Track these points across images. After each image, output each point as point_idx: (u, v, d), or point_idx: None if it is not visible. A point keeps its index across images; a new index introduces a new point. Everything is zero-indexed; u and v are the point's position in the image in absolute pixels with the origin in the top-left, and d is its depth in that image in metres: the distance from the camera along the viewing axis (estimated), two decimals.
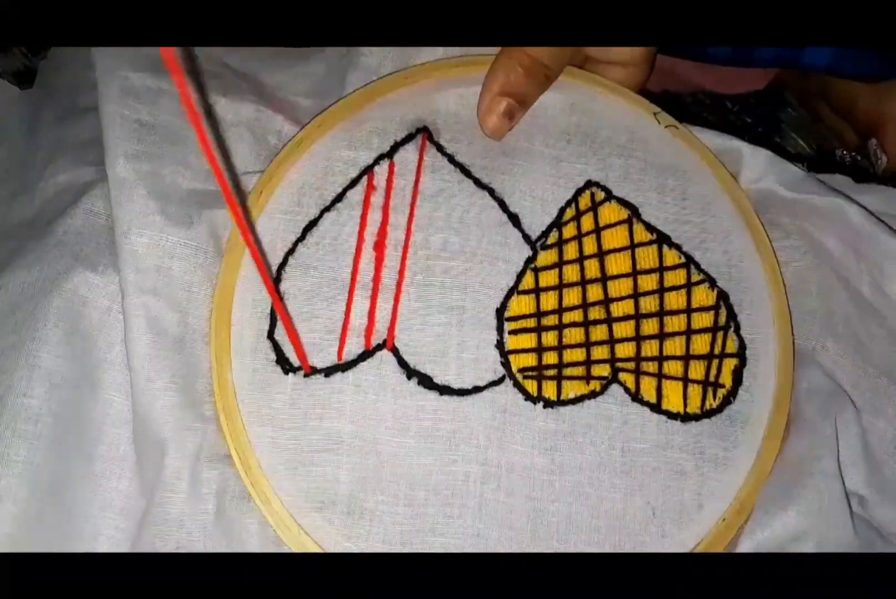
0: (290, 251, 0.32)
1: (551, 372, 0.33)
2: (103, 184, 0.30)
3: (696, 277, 0.36)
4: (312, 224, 0.33)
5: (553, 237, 0.35)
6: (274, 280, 0.32)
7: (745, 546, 0.31)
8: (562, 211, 0.35)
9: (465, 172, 0.34)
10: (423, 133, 0.35)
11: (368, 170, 0.34)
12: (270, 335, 0.31)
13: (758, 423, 0.35)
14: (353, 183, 0.33)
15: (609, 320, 0.34)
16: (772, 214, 0.37)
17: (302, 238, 0.32)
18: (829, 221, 0.36)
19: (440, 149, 0.35)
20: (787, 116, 0.45)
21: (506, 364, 0.33)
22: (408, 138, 0.34)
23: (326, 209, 0.33)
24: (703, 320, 0.35)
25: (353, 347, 0.32)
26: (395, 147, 0.34)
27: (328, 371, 0.31)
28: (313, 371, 0.31)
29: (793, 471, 0.33)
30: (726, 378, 0.35)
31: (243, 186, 0.33)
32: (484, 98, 0.34)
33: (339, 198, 0.33)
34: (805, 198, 0.36)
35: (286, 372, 0.31)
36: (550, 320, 0.34)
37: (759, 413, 0.35)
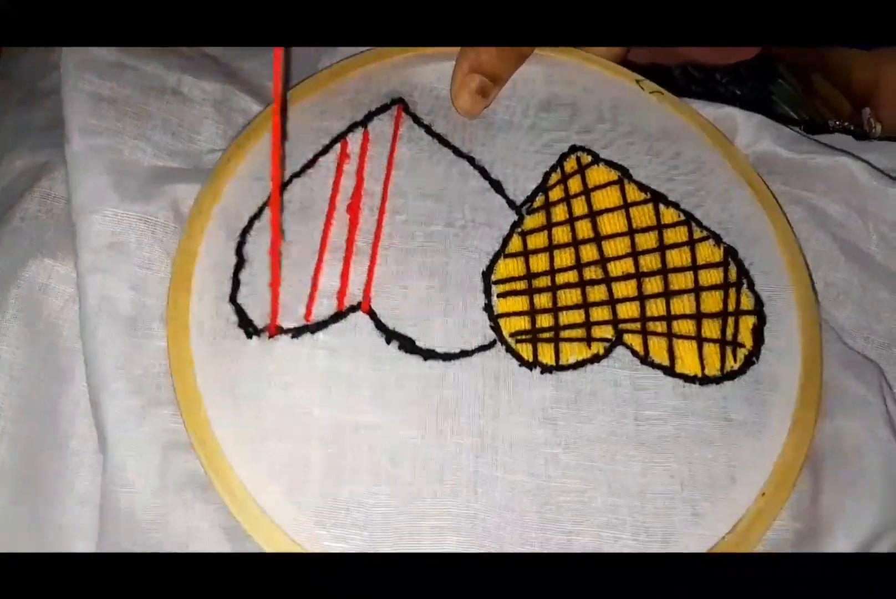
0: (256, 215, 0.30)
1: (547, 335, 0.30)
2: (62, 167, 0.29)
3: (698, 233, 0.33)
4: (281, 189, 0.31)
5: (539, 201, 0.33)
6: (237, 244, 0.30)
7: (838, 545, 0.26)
8: (546, 175, 0.33)
9: (444, 141, 0.33)
10: (399, 104, 0.34)
11: (341, 137, 0.32)
12: (233, 299, 0.28)
13: (789, 386, 0.31)
14: (325, 150, 0.32)
15: (607, 280, 0.31)
16: (768, 180, 0.35)
17: (268, 202, 0.31)
18: (831, 182, 0.34)
19: (416, 120, 0.34)
20: (779, 87, 0.44)
21: (496, 328, 0.30)
22: (382, 109, 0.34)
23: (296, 175, 0.32)
24: (711, 276, 0.32)
25: (324, 309, 0.29)
26: (370, 116, 0.33)
27: (295, 332, 0.28)
28: (279, 331, 0.28)
29: (852, 454, 0.28)
30: (746, 337, 0.31)
31: (207, 164, 0.32)
32: (456, 76, 0.34)
33: (310, 164, 0.32)
34: (806, 158, 0.34)
35: (249, 336, 0.28)
36: (542, 282, 0.31)
37: (789, 376, 0.31)
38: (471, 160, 0.33)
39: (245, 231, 0.30)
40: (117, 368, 0.27)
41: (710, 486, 0.28)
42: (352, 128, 0.33)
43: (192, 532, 0.25)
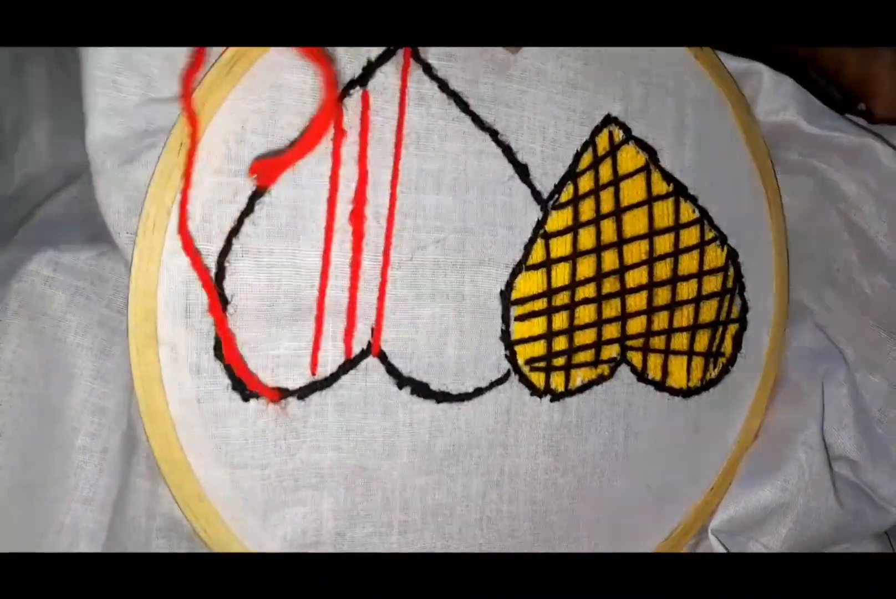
0: (234, 231, 0.22)
1: (560, 361, 0.28)
2: (86, 172, 0.24)
3: (708, 234, 0.31)
4: (262, 189, 0.23)
5: (567, 193, 0.28)
6: (215, 276, 0.22)
7: (718, 520, 0.31)
8: (578, 156, 0.28)
9: (462, 105, 0.25)
10: (406, 47, 0.24)
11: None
12: (219, 353, 0.22)
13: (749, 388, 0.33)
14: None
15: (623, 293, 0.29)
16: (782, 148, 0.33)
17: (249, 211, 0.23)
18: (851, 161, 0.32)
19: (428, 70, 0.25)
20: None
21: (511, 357, 0.27)
22: (386, 56, 0.24)
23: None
24: (712, 283, 0.32)
25: (331, 356, 0.24)
26: (370, 69, 0.24)
27: (303, 392, 0.24)
28: (284, 395, 0.23)
29: (776, 442, 0.32)
30: (727, 346, 0.32)
31: (153, 137, 0.22)
32: None
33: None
34: (830, 135, 0.31)
35: (246, 399, 0.23)
36: (562, 299, 0.28)
37: (751, 378, 0.33)
38: (493, 134, 0.26)
39: (222, 257, 0.22)
40: None
41: (677, 490, 0.31)
42: (348, 88, 0.24)
43: None
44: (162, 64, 0.22)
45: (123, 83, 0.22)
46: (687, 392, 0.31)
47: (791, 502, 0.31)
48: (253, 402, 0.23)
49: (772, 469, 0.32)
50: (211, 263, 0.22)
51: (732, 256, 0.32)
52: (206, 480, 0.23)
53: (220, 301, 0.22)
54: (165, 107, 0.22)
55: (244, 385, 0.23)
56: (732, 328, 0.32)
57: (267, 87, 0.22)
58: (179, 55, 0.22)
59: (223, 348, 0.23)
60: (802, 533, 0.31)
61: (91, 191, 0.23)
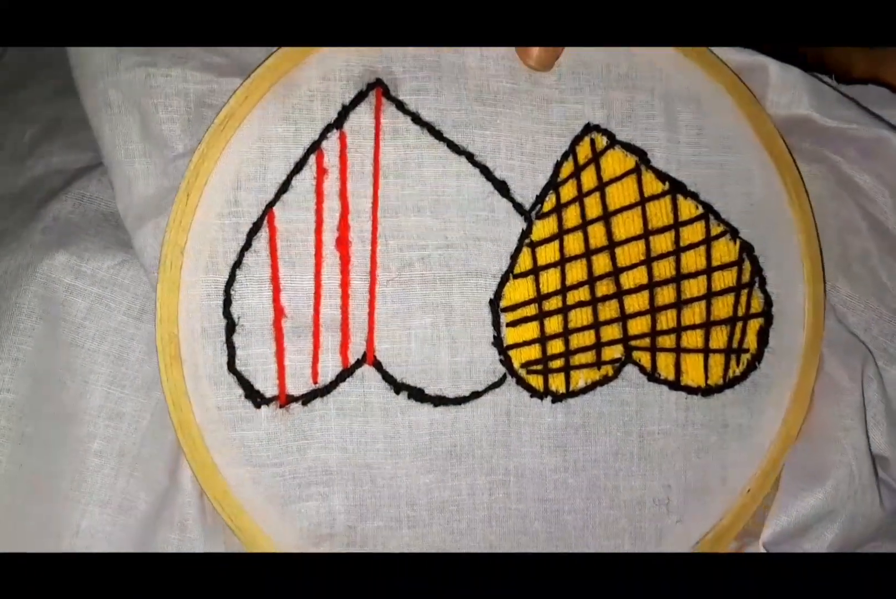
0: (237, 264, 0.26)
1: (558, 363, 0.29)
2: (97, 168, 0.29)
3: (715, 229, 0.31)
4: (257, 226, 0.27)
5: (550, 202, 0.29)
6: (223, 302, 0.26)
7: (770, 532, 0.29)
8: (558, 166, 0.29)
9: (436, 134, 0.28)
10: (377, 88, 0.27)
11: (315, 147, 0.27)
12: (232, 367, 0.27)
13: (784, 385, 0.32)
14: (299, 166, 0.27)
15: (619, 294, 0.30)
16: (796, 138, 0.31)
17: (248, 246, 0.27)
18: (867, 152, 0.31)
19: (401, 106, 0.28)
20: None
21: (506, 361, 0.29)
22: (358, 98, 0.27)
23: (271, 205, 0.27)
24: (724, 279, 0.31)
25: (330, 366, 0.27)
26: (344, 113, 0.27)
27: (305, 398, 0.27)
28: (289, 400, 0.27)
29: (820, 443, 0.30)
30: (751, 342, 0.31)
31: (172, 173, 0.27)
32: None
33: (284, 188, 0.27)
34: (844, 127, 0.30)
35: (258, 405, 0.27)
36: (553, 304, 0.29)
37: (786, 374, 0.32)
38: (469, 157, 0.28)
39: (229, 286, 0.27)
40: None
41: (702, 490, 0.31)
42: (325, 132, 0.27)
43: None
44: (171, 126, 0.26)
45: (149, 150, 0.27)
46: (706, 391, 0.31)
47: (840, 508, 0.30)
48: (264, 408, 0.27)
49: (820, 475, 0.30)
50: (219, 292, 0.26)
51: (747, 249, 0.31)
52: (229, 477, 0.27)
53: (229, 325, 0.26)
54: (184, 162, 0.27)
55: (256, 393, 0.27)
56: (755, 324, 0.31)
57: (255, 139, 0.27)
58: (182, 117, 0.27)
59: (234, 364, 0.27)
60: (847, 538, 0.29)
61: (102, 190, 0.27)
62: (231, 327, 0.26)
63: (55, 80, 0.32)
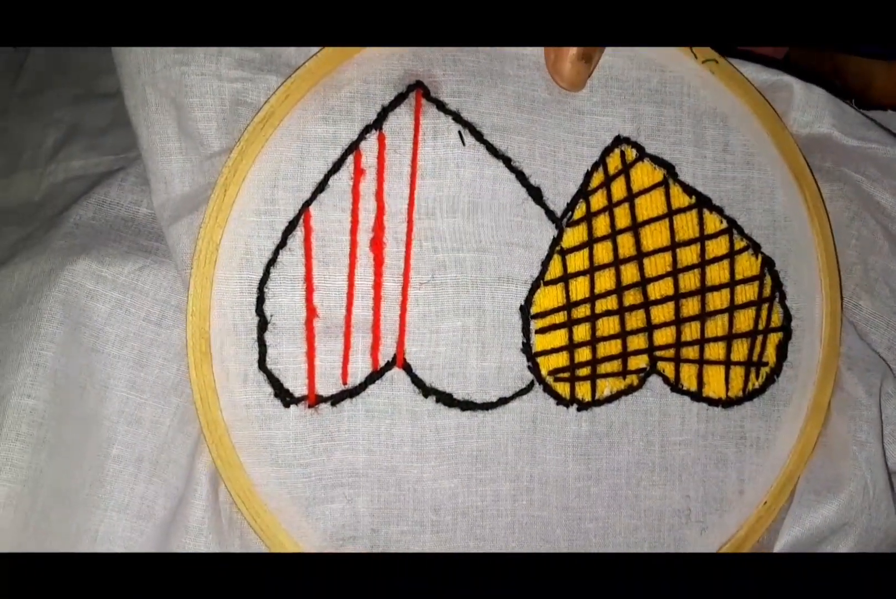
0: (272, 262, 0.26)
1: (585, 371, 0.29)
2: (118, 174, 0.29)
3: (738, 243, 0.31)
4: (293, 225, 0.27)
5: (580, 211, 0.29)
6: (256, 300, 0.26)
7: (784, 542, 0.30)
8: (588, 175, 0.29)
9: (476, 134, 0.28)
10: (418, 89, 0.27)
11: (353, 148, 0.27)
12: (262, 365, 0.26)
13: (802, 399, 0.32)
14: (337, 166, 0.27)
15: (646, 304, 0.30)
16: (817, 157, 0.32)
17: (283, 244, 0.26)
18: (888, 172, 0.31)
19: (441, 106, 0.28)
20: None
21: (534, 368, 0.29)
22: (398, 100, 0.27)
23: (307, 204, 0.27)
24: (746, 293, 0.31)
25: (360, 368, 0.27)
26: (384, 113, 0.27)
27: (335, 399, 0.27)
28: (318, 400, 0.27)
29: (834, 455, 0.31)
30: (770, 355, 0.32)
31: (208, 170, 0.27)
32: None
33: (320, 187, 0.27)
34: (866, 147, 0.31)
35: (287, 405, 0.26)
36: (582, 311, 0.29)
37: (803, 388, 0.32)
38: (507, 161, 0.29)
39: (262, 284, 0.26)
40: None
41: (720, 500, 0.31)
42: (364, 133, 0.27)
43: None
44: (207, 124, 0.26)
45: (186, 148, 0.27)
46: (727, 402, 0.31)
47: (854, 521, 0.30)
48: (293, 408, 0.27)
49: (835, 488, 0.31)
50: (253, 289, 0.26)
51: (768, 264, 0.32)
52: (254, 476, 0.27)
53: (261, 322, 0.26)
54: (220, 159, 0.27)
55: (286, 392, 0.26)
56: (775, 337, 0.32)
57: (294, 138, 0.27)
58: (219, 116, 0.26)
59: (265, 362, 0.26)
60: (862, 551, 0.29)
61: (123, 195, 0.27)
62: (263, 325, 0.26)
63: (76, 86, 0.33)
